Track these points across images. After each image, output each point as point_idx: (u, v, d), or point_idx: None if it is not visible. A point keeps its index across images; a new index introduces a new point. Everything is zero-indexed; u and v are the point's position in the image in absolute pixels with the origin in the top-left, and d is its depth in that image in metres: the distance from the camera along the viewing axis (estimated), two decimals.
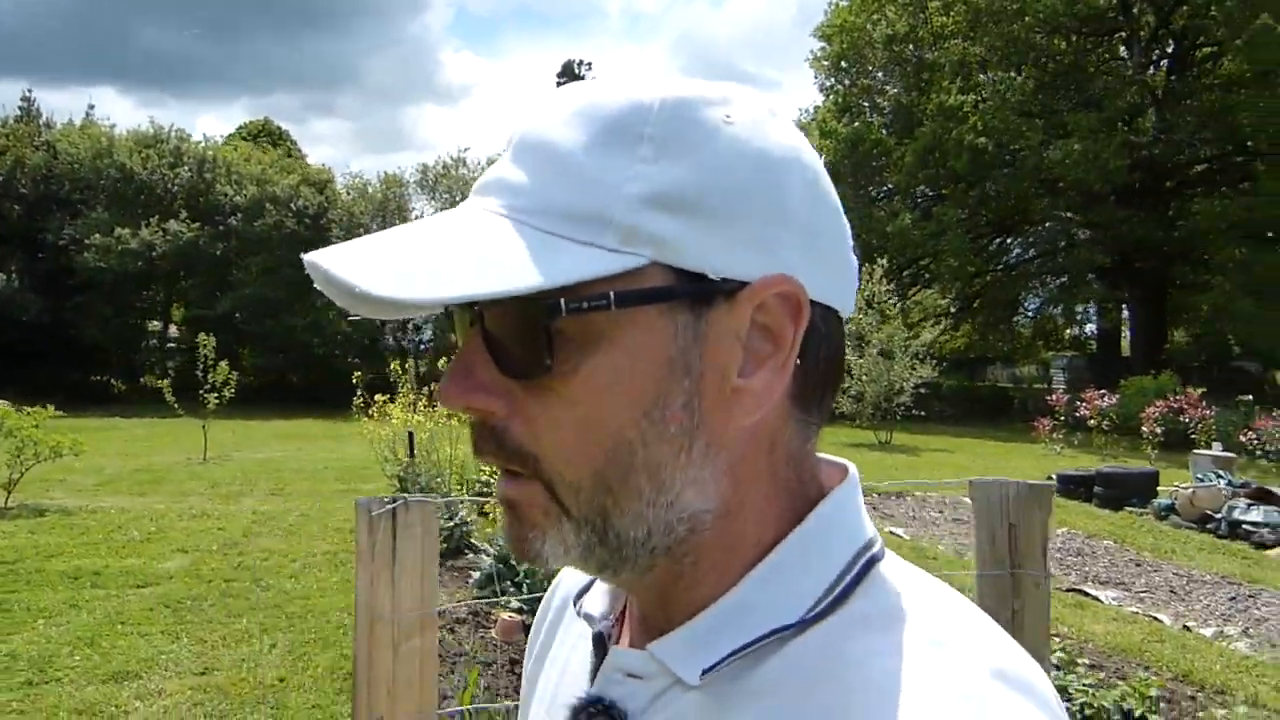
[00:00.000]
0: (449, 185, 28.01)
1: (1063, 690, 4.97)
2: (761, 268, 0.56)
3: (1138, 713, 4.68)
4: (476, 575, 7.11)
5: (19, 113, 28.14)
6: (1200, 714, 4.91)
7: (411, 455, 7.95)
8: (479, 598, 6.84)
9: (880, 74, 30.57)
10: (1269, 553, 9.17)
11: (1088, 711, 4.76)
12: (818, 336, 0.59)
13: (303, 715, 4.83)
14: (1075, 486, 12.03)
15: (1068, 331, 49.37)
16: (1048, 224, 29.15)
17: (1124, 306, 34.81)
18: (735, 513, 0.60)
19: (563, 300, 0.53)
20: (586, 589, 0.74)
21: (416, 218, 27.02)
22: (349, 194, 29.19)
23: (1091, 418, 18.32)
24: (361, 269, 0.52)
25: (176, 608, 6.66)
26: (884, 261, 20.74)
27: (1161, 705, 4.90)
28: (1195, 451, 13.60)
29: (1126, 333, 40.96)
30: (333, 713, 4.86)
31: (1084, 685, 4.93)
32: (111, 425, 20.19)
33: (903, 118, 29.27)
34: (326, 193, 28.69)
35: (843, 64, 30.95)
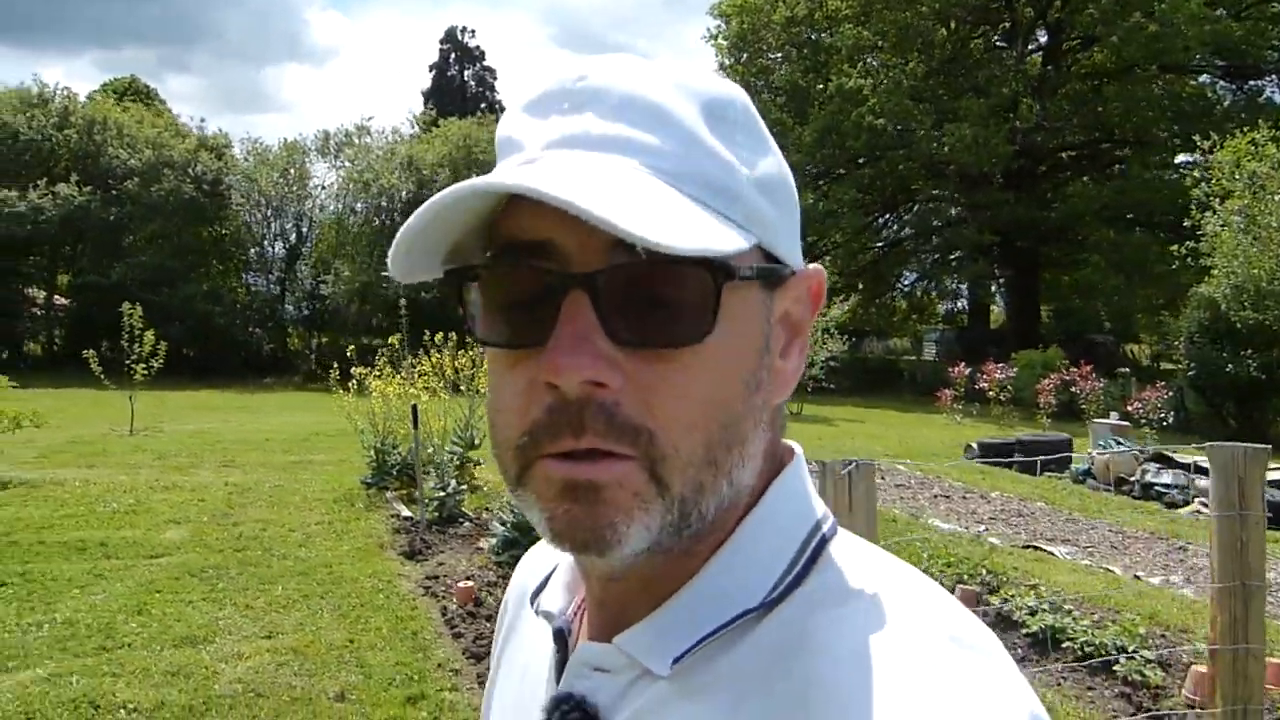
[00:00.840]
0: (353, 154, 27.51)
1: (1063, 630, 5.71)
2: (798, 259, 0.62)
3: (1131, 648, 5.44)
4: (493, 541, 7.46)
5: None
6: (1179, 649, 5.68)
7: (415, 427, 8.17)
8: (501, 562, 7.19)
9: (778, 55, 31.50)
10: (1180, 511, 10.28)
11: (1087, 649, 5.50)
12: None
13: (390, 671, 5.13)
14: (996, 453, 13.03)
15: (940, 306, 52.28)
16: (930, 203, 30.61)
17: (994, 283, 36.89)
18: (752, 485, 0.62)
19: (735, 266, 0.55)
20: (542, 587, 0.74)
21: (316, 186, 26.21)
22: (247, 160, 28.40)
23: (990, 389, 19.62)
24: (619, 211, 0.49)
25: (203, 577, 6.77)
26: (831, 258, 21.69)
27: (1150, 642, 5.66)
28: (1095, 420, 14.87)
29: (995, 307, 43.48)
30: (418, 669, 5.17)
31: (1082, 626, 5.67)
32: (10, 395, 19.31)
33: (798, 99, 30.25)
34: (225, 158, 27.87)
35: (741, 45, 31.70)
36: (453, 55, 69.69)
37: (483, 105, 63.56)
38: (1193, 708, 5.08)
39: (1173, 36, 23.30)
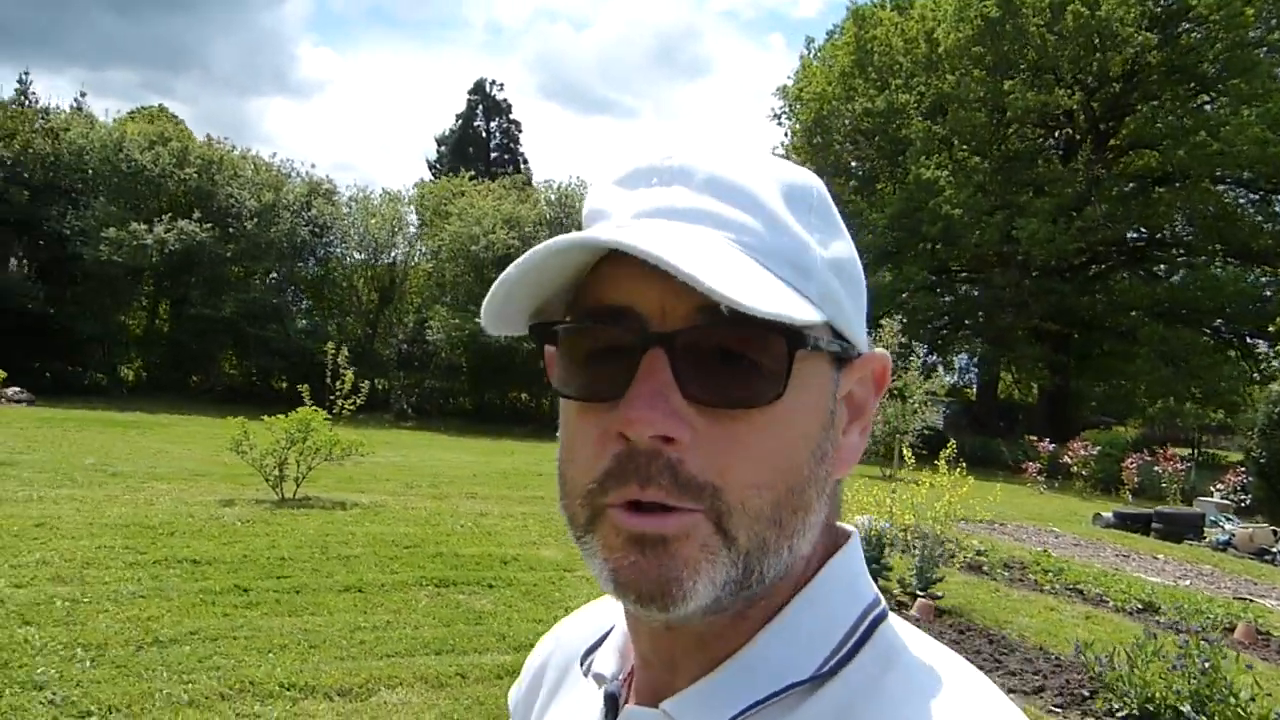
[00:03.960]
0: (459, 211, 29.10)
1: None
2: (864, 343, 0.65)
3: None
4: None
5: (14, 95, 27.72)
6: None
7: None
8: None
9: (848, 143, 33.78)
10: None
11: None
12: None
13: None
14: (1132, 523, 14.79)
15: (945, 379, 55.17)
16: (989, 288, 32.74)
17: (1003, 363, 38.85)
18: (808, 557, 0.64)
19: (809, 335, 0.58)
20: (594, 648, 0.77)
21: (414, 234, 27.74)
22: (349, 206, 29.97)
23: (1074, 465, 21.46)
24: (707, 272, 0.52)
25: None
26: (901, 318, 23.50)
27: None
28: (1201, 499, 16.71)
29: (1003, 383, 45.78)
30: None
31: None
32: (175, 422, 20.53)
33: (868, 183, 32.49)
34: (334, 203, 29.46)
35: (813, 129, 33.88)
36: (480, 107, 71.66)
37: (506, 158, 66.16)
38: None
39: (1233, 155, 25.71)
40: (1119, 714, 5.78)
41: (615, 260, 0.58)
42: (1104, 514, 15.50)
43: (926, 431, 22.55)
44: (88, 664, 5.43)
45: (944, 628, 7.64)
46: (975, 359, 42.24)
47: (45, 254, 26.17)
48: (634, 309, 0.59)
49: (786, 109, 36.54)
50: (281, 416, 11.05)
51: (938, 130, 30.60)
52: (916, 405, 22.39)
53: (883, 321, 24.48)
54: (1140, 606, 8.92)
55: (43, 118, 27.49)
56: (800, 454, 0.59)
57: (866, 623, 0.63)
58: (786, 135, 36.14)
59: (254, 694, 5.15)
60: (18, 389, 22.97)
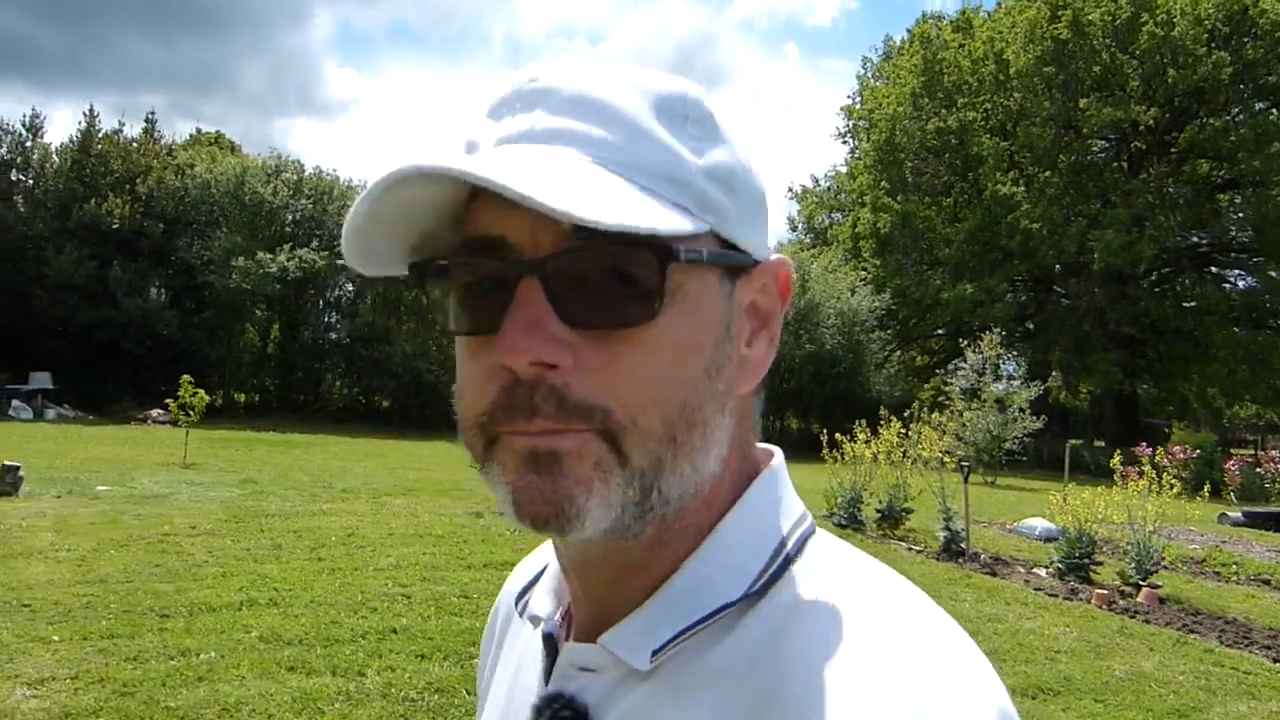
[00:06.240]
0: None
1: None
2: (763, 250, 0.64)
3: None
4: (1045, 571, 10.11)
5: (143, 133, 29.26)
6: None
7: (965, 481, 10.86)
8: (1066, 579, 9.83)
9: (918, 161, 34.96)
10: None
11: None
12: None
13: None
14: (1263, 521, 15.83)
15: (994, 387, 55.95)
16: (1064, 298, 33.85)
17: (1069, 370, 39.67)
18: (720, 477, 0.63)
19: (681, 248, 0.56)
20: (526, 590, 0.77)
21: None
22: None
23: (1174, 468, 22.46)
24: (553, 194, 0.50)
25: None
26: (1000, 330, 24.67)
27: None
28: None
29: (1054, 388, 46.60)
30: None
31: None
32: (315, 441, 21.83)
33: (936, 196, 33.66)
34: None
35: (885, 148, 35.04)
36: None
37: None
38: None
39: None
40: None
41: (486, 190, 0.53)
42: (1230, 514, 16.51)
43: (1026, 439, 23.66)
44: None
45: (1173, 614, 8.73)
46: (1026, 365, 43.26)
47: (177, 283, 27.72)
48: (506, 238, 0.57)
49: (850, 128, 37.84)
50: None
51: (1005, 146, 31.75)
52: (1016, 414, 23.54)
53: (981, 334, 25.71)
54: None
55: (168, 154, 29.01)
56: (691, 369, 0.58)
57: (794, 540, 0.64)
58: (853, 153, 37.40)
59: None
60: (160, 410, 24.40)
